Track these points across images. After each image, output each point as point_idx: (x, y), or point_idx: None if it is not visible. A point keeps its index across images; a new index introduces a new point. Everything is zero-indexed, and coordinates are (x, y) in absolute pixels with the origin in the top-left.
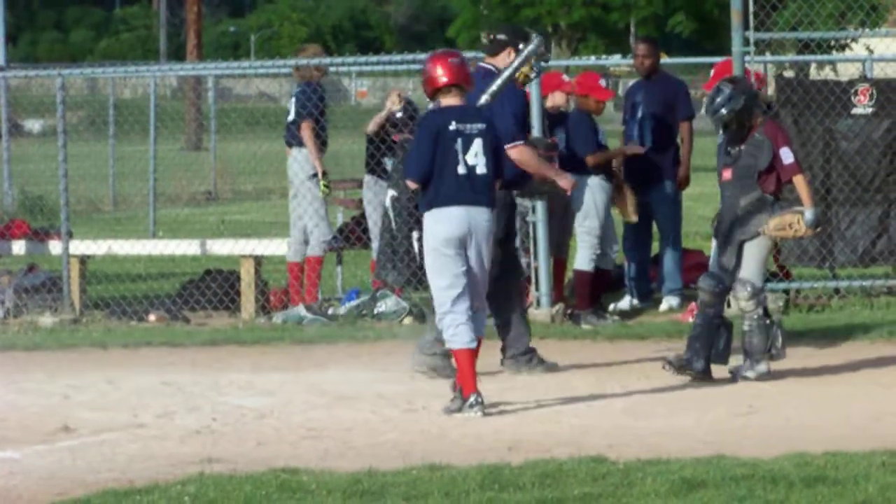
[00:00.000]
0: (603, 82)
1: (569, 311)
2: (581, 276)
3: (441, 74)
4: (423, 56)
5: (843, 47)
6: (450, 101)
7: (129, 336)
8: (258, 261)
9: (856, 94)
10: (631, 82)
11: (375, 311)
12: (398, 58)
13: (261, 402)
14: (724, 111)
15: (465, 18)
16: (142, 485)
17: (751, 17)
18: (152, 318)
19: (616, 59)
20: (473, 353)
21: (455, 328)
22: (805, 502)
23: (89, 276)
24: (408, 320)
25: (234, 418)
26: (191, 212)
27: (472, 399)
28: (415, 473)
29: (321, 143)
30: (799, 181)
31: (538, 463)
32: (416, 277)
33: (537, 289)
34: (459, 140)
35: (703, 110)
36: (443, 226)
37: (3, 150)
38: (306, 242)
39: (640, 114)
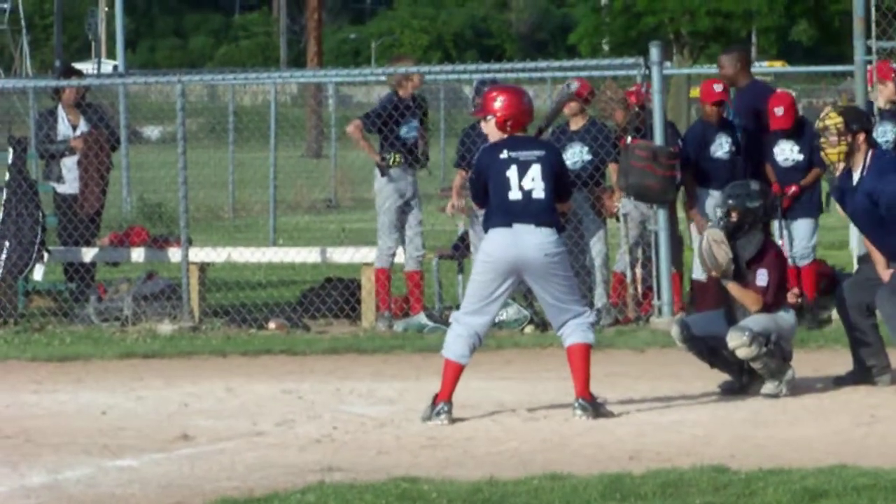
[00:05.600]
0: (717, 87)
1: None
2: (697, 285)
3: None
4: (544, 64)
5: None
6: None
7: (248, 344)
8: None
9: None
10: None
11: (496, 320)
12: (520, 66)
13: (381, 410)
14: (733, 202)
15: (587, 26)
16: (261, 494)
17: (873, 25)
18: (272, 325)
19: None
20: (461, 367)
21: (455, 338)
22: None
23: (209, 284)
24: (529, 329)
25: (354, 427)
26: (311, 219)
27: (440, 406)
28: (535, 482)
29: (413, 156)
30: (754, 301)
31: (659, 472)
32: None
33: (659, 298)
34: (514, 167)
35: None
36: (490, 244)
37: (121, 157)
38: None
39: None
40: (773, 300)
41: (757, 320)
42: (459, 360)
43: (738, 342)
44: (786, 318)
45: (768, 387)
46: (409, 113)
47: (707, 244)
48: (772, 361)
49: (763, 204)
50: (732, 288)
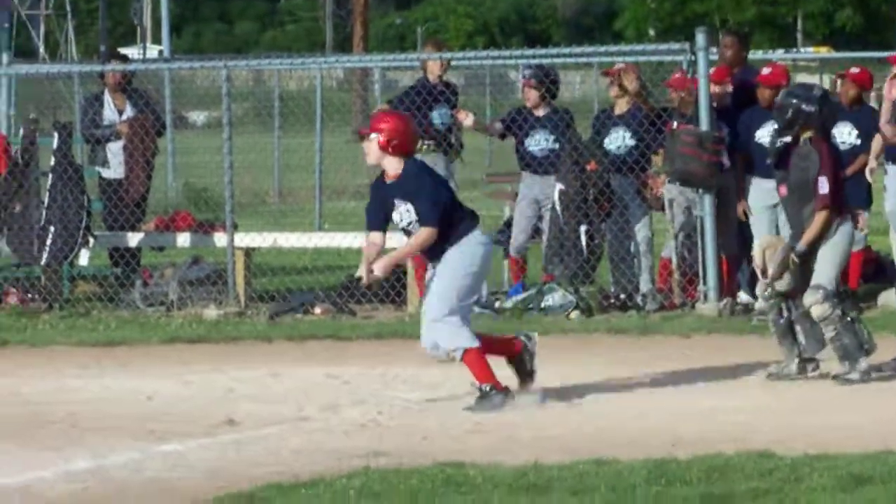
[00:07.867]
0: (765, 70)
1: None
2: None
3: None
4: (590, 49)
5: None
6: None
7: (294, 329)
8: None
9: None
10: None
11: (542, 305)
12: (566, 51)
13: (426, 395)
14: (790, 100)
15: (633, 12)
16: (306, 478)
17: None
18: (318, 310)
19: (780, 53)
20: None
21: (457, 329)
22: None
23: (254, 269)
24: (575, 314)
25: (399, 412)
26: (357, 204)
27: (501, 395)
28: (581, 467)
29: (446, 143)
30: (819, 217)
31: (705, 458)
32: (583, 270)
33: (705, 283)
34: None
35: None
36: (485, 253)
37: (167, 142)
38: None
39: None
40: (836, 201)
41: (824, 271)
42: (476, 343)
43: (812, 299)
44: (842, 232)
45: (840, 369)
46: (438, 98)
47: (761, 258)
48: (846, 337)
49: (819, 109)
50: (806, 243)
